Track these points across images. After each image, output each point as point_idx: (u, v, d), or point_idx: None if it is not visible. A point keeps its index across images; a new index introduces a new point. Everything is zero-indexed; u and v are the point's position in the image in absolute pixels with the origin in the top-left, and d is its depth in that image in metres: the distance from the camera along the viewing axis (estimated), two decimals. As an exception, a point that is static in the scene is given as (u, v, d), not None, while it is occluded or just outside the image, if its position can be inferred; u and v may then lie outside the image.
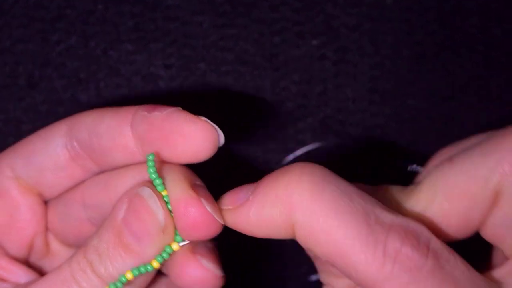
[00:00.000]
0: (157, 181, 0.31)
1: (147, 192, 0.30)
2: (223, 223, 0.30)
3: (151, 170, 0.31)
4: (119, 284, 0.30)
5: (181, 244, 0.31)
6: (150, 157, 0.31)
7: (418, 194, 0.32)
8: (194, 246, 0.32)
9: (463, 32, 0.43)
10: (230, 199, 0.31)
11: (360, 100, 0.43)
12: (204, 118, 0.31)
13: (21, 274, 0.35)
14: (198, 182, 0.32)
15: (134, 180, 0.33)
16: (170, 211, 0.31)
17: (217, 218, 0.30)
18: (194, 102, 0.42)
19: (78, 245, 0.36)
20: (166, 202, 0.31)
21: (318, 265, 0.33)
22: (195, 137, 0.30)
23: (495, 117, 0.44)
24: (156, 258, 0.31)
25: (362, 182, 0.44)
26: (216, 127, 0.31)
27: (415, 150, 0.44)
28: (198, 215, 0.30)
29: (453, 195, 0.30)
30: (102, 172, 0.34)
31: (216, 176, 0.44)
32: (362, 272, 0.28)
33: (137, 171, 0.33)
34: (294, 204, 0.29)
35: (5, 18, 0.41)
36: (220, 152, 0.43)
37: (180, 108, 0.31)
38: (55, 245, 0.37)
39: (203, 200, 0.30)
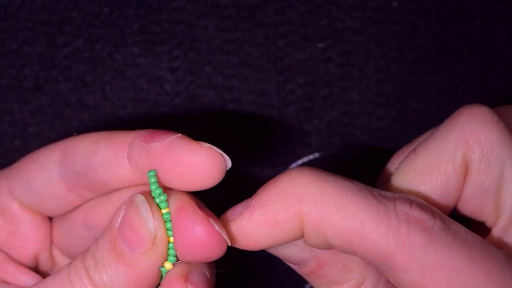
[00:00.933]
0: (161, 197, 0.30)
1: (139, 199, 0.29)
2: (229, 244, 0.29)
3: (153, 186, 0.30)
4: None
5: (175, 263, 0.30)
6: (152, 173, 0.30)
7: (392, 187, 0.32)
8: (189, 271, 0.30)
9: (466, 34, 0.43)
10: (231, 213, 0.30)
11: (366, 103, 0.43)
12: (207, 145, 0.29)
13: (27, 280, 0.35)
14: (202, 204, 0.31)
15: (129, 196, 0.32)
16: (168, 229, 0.29)
17: (225, 237, 0.29)
18: (199, 105, 0.42)
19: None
20: (165, 221, 0.30)
21: (312, 278, 0.32)
22: (199, 166, 0.29)
23: (498, 119, 0.44)
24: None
25: (368, 185, 0.44)
26: (221, 152, 0.30)
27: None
28: (205, 234, 0.28)
29: (426, 178, 0.31)
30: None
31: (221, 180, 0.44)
32: (380, 243, 0.28)
33: (138, 189, 0.32)
34: (301, 194, 0.28)
35: (11, 20, 0.41)
36: (225, 153, 0.43)
37: (179, 135, 0.30)
38: (60, 258, 0.37)
39: (210, 219, 0.29)
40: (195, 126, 0.42)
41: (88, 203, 0.34)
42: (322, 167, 0.44)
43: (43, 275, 0.36)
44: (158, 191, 0.29)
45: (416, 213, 0.28)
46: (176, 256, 0.30)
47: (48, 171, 0.33)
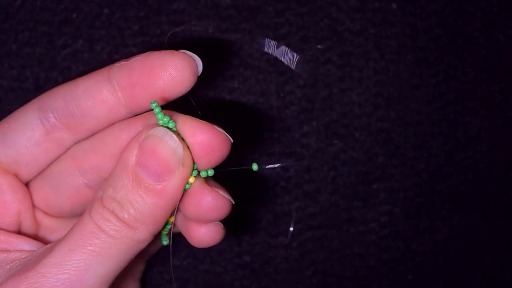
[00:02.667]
0: (171, 124, 0.32)
1: (161, 130, 0.31)
2: (232, 141, 0.33)
3: (160, 115, 0.32)
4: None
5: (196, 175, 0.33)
6: (154, 104, 0.32)
7: None
8: (207, 181, 0.34)
9: (467, 36, 0.43)
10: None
11: (365, 104, 0.43)
12: (182, 50, 0.33)
13: (23, 243, 0.35)
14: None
15: (125, 134, 0.33)
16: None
17: (228, 136, 0.33)
18: (200, 106, 0.42)
19: (73, 214, 0.36)
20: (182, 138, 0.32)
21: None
22: (176, 67, 0.32)
23: (498, 121, 0.44)
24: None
25: (366, 186, 0.44)
26: (194, 55, 0.33)
27: (420, 154, 0.44)
28: (213, 136, 0.32)
29: None
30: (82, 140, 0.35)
31: (222, 180, 0.44)
32: None
33: (125, 127, 0.34)
34: None
35: (11, 21, 0.41)
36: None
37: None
38: (45, 220, 0.37)
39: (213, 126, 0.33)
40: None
41: (76, 151, 0.35)
42: (321, 167, 0.44)
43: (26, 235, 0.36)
44: (166, 119, 0.32)
45: None
46: (195, 168, 0.33)
47: (24, 119, 0.34)
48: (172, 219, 0.35)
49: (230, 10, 0.42)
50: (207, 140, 0.32)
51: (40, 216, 0.37)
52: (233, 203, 0.34)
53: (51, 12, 0.41)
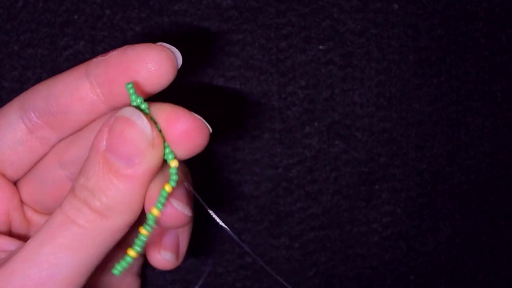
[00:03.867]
0: (143, 105, 0.31)
1: (128, 110, 0.30)
2: (211, 130, 0.32)
3: (133, 96, 0.31)
4: (159, 205, 0.30)
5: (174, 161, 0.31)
6: (129, 85, 0.31)
7: None
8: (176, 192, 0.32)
9: (468, 37, 0.43)
10: None
11: (367, 104, 0.43)
12: (160, 43, 0.31)
13: (7, 243, 0.34)
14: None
15: (98, 124, 0.33)
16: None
17: (206, 124, 0.31)
18: (201, 107, 0.42)
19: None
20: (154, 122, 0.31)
21: None
22: (154, 60, 0.31)
23: (500, 121, 0.44)
24: (170, 182, 0.31)
25: (368, 186, 0.44)
26: (173, 48, 0.32)
27: (422, 154, 0.44)
28: (190, 122, 0.31)
29: None
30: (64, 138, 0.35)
31: (223, 180, 0.44)
32: None
33: (99, 120, 0.33)
34: None
35: (13, 22, 0.41)
36: (228, 155, 0.43)
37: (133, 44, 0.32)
38: (35, 217, 0.37)
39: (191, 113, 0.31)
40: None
41: (58, 146, 0.34)
42: (323, 167, 0.44)
43: (21, 238, 0.36)
44: (139, 100, 0.31)
45: None
46: (172, 153, 0.31)
47: (6, 119, 0.34)
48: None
49: (231, 10, 0.42)
50: (181, 125, 0.31)
51: (29, 213, 0.36)
52: (190, 214, 0.33)
53: (53, 13, 0.41)
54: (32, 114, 0.33)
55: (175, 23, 0.42)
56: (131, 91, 0.31)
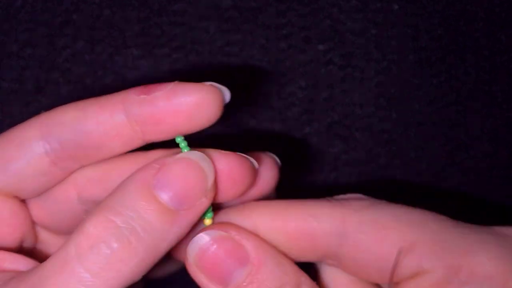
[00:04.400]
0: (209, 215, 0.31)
1: (197, 154, 0.29)
2: (257, 167, 0.32)
3: (186, 150, 0.30)
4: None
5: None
6: (179, 138, 0.30)
7: None
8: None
9: (468, 37, 0.43)
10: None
11: (367, 105, 0.43)
12: (209, 83, 0.31)
13: (18, 262, 0.33)
14: None
15: (132, 167, 0.31)
16: None
17: (254, 162, 0.31)
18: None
19: (70, 232, 0.34)
20: None
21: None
22: (205, 103, 0.30)
23: (500, 121, 0.44)
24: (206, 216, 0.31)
25: (369, 186, 0.44)
26: (223, 87, 0.31)
27: (421, 154, 0.44)
28: (241, 163, 0.31)
29: None
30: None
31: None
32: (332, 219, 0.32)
33: (132, 160, 0.32)
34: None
35: (11, 22, 0.41)
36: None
37: (177, 82, 0.31)
38: (43, 234, 0.36)
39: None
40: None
41: (78, 176, 0.33)
42: (323, 168, 0.44)
43: (27, 253, 0.35)
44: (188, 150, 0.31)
45: (350, 195, 0.32)
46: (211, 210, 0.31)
47: (28, 148, 0.32)
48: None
49: (231, 11, 0.42)
50: (234, 168, 0.30)
51: (38, 230, 0.36)
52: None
53: (52, 13, 0.41)
54: (58, 147, 0.32)
55: (174, 23, 0.42)
56: (183, 144, 0.31)
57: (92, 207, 0.32)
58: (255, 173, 0.32)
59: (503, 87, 0.44)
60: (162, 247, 0.29)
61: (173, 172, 0.29)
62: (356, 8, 0.42)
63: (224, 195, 0.31)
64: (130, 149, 0.32)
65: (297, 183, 0.43)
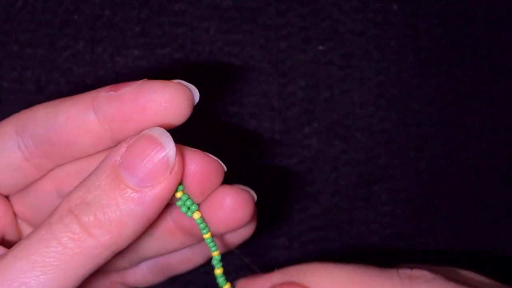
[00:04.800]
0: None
1: (158, 130, 0.29)
2: (225, 169, 0.32)
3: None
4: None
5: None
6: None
7: None
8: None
9: (468, 37, 0.43)
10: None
11: (367, 105, 0.43)
12: (177, 80, 0.31)
13: None
14: None
15: None
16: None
17: (221, 164, 0.32)
18: (200, 107, 0.42)
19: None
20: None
21: None
22: (172, 100, 0.30)
23: (499, 121, 0.44)
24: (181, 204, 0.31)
25: (368, 187, 0.44)
26: (190, 85, 0.31)
27: (421, 154, 0.44)
28: (206, 164, 0.31)
29: None
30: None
31: (222, 181, 0.44)
32: None
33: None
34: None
35: (12, 22, 0.41)
36: (227, 155, 0.43)
37: (146, 79, 0.31)
38: (26, 229, 0.36)
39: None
40: (195, 128, 0.42)
41: (56, 172, 0.33)
42: (322, 168, 0.44)
43: (9, 246, 0.34)
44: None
45: (417, 272, 0.32)
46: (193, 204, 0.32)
47: (2, 142, 0.32)
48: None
49: (231, 11, 0.42)
50: (200, 168, 0.30)
51: (23, 225, 0.36)
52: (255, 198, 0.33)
53: (52, 13, 0.41)
54: (30, 142, 0.32)
55: (175, 23, 0.42)
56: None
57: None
58: (222, 173, 0.32)
59: (502, 87, 0.44)
60: (132, 226, 0.29)
61: (135, 149, 0.29)
62: (356, 9, 0.42)
63: (197, 191, 0.31)
64: (101, 149, 0.32)
65: (297, 183, 0.43)
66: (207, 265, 0.43)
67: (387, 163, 0.43)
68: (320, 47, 0.42)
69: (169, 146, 0.29)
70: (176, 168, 0.29)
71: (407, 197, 0.44)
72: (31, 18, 0.41)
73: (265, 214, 0.44)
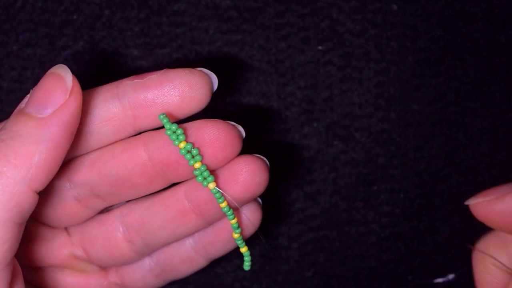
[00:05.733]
0: (178, 131, 0.32)
1: (58, 66, 0.31)
2: (244, 135, 0.33)
3: (167, 125, 0.31)
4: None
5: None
6: (162, 116, 0.31)
7: None
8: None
9: (467, 37, 0.43)
10: (484, 194, 0.35)
11: (366, 105, 0.43)
12: (199, 68, 0.32)
13: None
14: None
15: (126, 156, 0.33)
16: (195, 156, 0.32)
17: (240, 129, 0.33)
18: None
19: (59, 225, 0.35)
20: (189, 150, 0.32)
21: None
22: (195, 86, 0.32)
23: (499, 121, 0.44)
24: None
25: (367, 187, 0.44)
26: (211, 73, 0.33)
27: (421, 154, 0.44)
28: (226, 130, 0.32)
29: None
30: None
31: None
32: None
33: (128, 147, 0.33)
34: None
35: (12, 22, 0.41)
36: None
37: (167, 69, 0.32)
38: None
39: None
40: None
41: (70, 161, 0.34)
42: (321, 168, 0.44)
43: None
44: (174, 127, 0.32)
45: None
46: (209, 176, 0.32)
47: None
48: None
49: (230, 11, 0.42)
50: (219, 134, 0.32)
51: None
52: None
53: (52, 13, 0.41)
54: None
55: (174, 23, 0.42)
56: (165, 120, 0.32)
57: (82, 192, 0.34)
58: (241, 139, 0.33)
59: (502, 87, 0.44)
60: (39, 153, 0.29)
61: (35, 89, 0.31)
62: (355, 9, 0.42)
63: (215, 160, 0.32)
64: (121, 137, 0.33)
65: (297, 184, 0.43)
66: (208, 266, 0.43)
67: (386, 163, 0.43)
68: (319, 47, 0.42)
69: (67, 74, 0.30)
70: (75, 89, 0.30)
71: (406, 197, 0.44)
72: (31, 18, 0.41)
73: (264, 214, 0.44)
